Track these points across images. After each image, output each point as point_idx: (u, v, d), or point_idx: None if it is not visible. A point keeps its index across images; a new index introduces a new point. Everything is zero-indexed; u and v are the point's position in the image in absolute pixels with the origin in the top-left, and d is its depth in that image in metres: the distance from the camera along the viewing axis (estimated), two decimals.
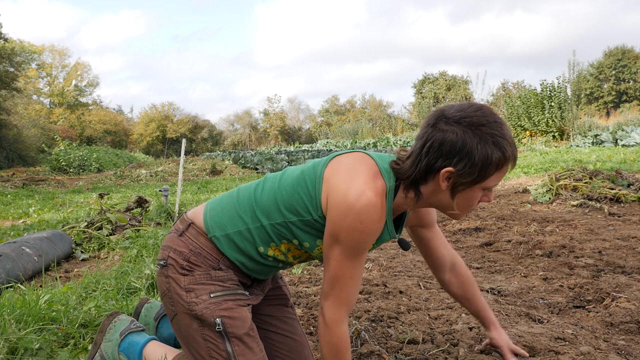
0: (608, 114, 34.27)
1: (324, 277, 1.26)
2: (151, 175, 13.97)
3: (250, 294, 1.40)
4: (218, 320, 1.27)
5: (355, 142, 29.14)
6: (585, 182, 5.29)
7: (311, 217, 1.26)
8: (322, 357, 1.29)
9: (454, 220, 4.34)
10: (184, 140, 5.55)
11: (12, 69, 20.77)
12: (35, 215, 6.19)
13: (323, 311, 1.26)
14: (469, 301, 1.64)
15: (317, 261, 1.41)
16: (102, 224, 4.18)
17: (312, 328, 1.99)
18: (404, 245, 1.41)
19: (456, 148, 1.15)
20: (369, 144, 25.94)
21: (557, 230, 3.78)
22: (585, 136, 16.48)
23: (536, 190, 5.50)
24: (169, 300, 1.33)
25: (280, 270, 1.49)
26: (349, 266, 1.23)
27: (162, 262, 1.34)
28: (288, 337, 1.50)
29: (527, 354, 1.64)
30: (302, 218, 1.27)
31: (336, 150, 1.35)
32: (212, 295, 1.29)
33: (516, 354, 1.63)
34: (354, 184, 1.20)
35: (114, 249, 3.81)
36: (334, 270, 1.23)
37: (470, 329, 1.91)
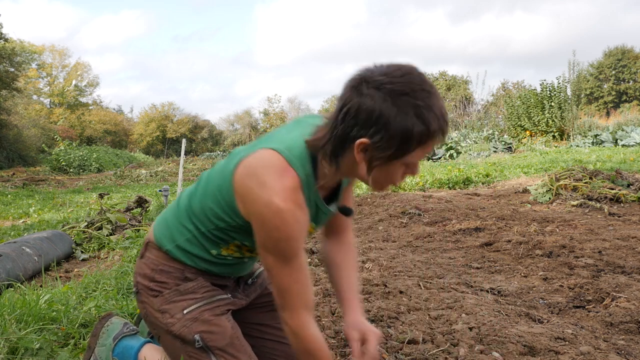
0: (608, 114, 34.26)
1: (275, 294, 1.21)
2: (151, 175, 13.98)
3: (232, 297, 1.36)
4: (197, 337, 1.24)
5: None
6: (585, 182, 5.29)
7: (237, 223, 1.20)
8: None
9: (453, 221, 4.35)
10: (184, 140, 5.56)
11: (12, 69, 20.78)
12: (36, 215, 6.19)
13: (285, 322, 1.21)
14: (336, 277, 1.46)
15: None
16: (102, 224, 4.19)
17: None
18: (346, 212, 1.32)
19: (372, 117, 1.01)
20: None
21: (557, 230, 3.78)
22: (585, 136, 16.48)
23: (536, 190, 5.50)
24: (150, 323, 1.32)
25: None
26: (289, 273, 1.16)
27: (134, 290, 1.34)
28: (284, 344, 1.44)
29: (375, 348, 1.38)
30: (229, 224, 1.21)
31: (238, 150, 1.25)
32: (185, 312, 1.26)
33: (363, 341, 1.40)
34: (262, 194, 1.09)
35: (114, 249, 3.81)
36: (277, 281, 1.18)
37: (470, 329, 1.91)
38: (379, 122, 1.02)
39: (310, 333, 1.20)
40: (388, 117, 1.01)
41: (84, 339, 1.84)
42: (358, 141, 1.04)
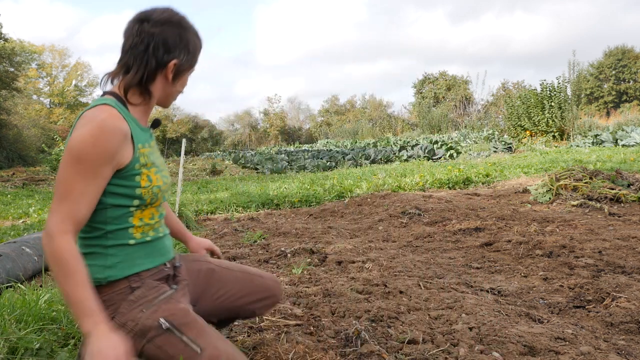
0: (608, 114, 34.27)
1: (53, 198, 1.26)
2: None
3: (176, 285, 1.43)
4: (162, 320, 1.28)
5: (356, 142, 29.14)
6: (585, 182, 5.29)
7: (105, 184, 1.28)
8: (51, 271, 1.24)
9: (453, 221, 4.35)
10: (184, 140, 5.55)
11: (12, 69, 20.78)
12: (35, 215, 6.19)
13: (48, 225, 1.23)
14: (173, 225, 1.71)
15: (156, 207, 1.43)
16: None
17: (312, 328, 1.99)
18: (154, 124, 1.49)
19: (176, 43, 1.35)
20: (369, 143, 25.93)
21: (557, 230, 3.78)
22: (586, 136, 16.48)
23: (536, 190, 5.50)
24: (127, 334, 1.30)
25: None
26: (80, 182, 1.23)
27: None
28: (234, 283, 1.58)
29: (221, 253, 1.82)
30: (106, 192, 1.30)
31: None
32: (144, 311, 1.30)
33: (212, 253, 1.81)
34: (86, 126, 1.25)
35: None
36: (63, 187, 1.23)
37: (470, 329, 1.91)
38: (181, 44, 1.37)
39: (66, 240, 1.22)
40: (187, 39, 1.38)
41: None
42: (171, 62, 1.35)
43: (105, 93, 1.38)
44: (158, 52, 1.33)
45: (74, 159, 1.23)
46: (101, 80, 1.39)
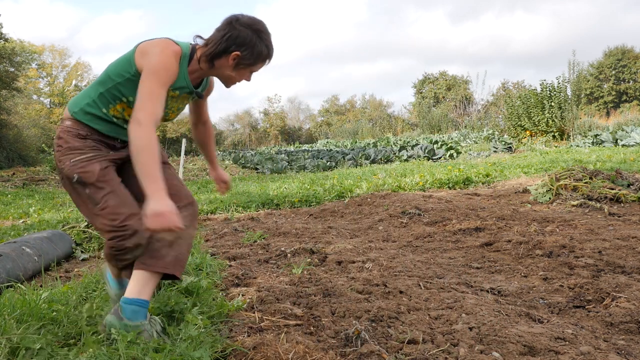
0: (608, 114, 34.27)
1: (137, 102, 1.76)
2: None
3: (115, 151, 1.98)
4: (75, 175, 1.86)
5: (356, 142, 29.13)
6: (585, 182, 5.29)
7: (130, 75, 1.85)
8: (134, 150, 1.70)
9: (454, 221, 4.35)
10: (184, 140, 5.56)
11: (12, 69, 20.76)
12: (36, 215, 6.19)
13: (138, 117, 1.72)
14: (204, 147, 2.38)
15: None
16: None
17: (312, 328, 1.99)
18: (199, 95, 2.06)
19: (245, 42, 1.85)
20: (369, 143, 25.94)
21: (557, 230, 3.78)
22: (586, 136, 16.48)
23: (536, 190, 5.50)
24: (59, 171, 1.94)
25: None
26: (156, 89, 1.77)
27: (52, 150, 2.07)
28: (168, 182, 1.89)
29: (229, 183, 2.44)
30: (124, 77, 1.86)
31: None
32: (72, 161, 1.87)
33: (224, 182, 2.40)
34: (155, 48, 1.82)
35: None
36: (147, 92, 1.76)
37: (470, 329, 1.91)
38: (249, 44, 1.86)
39: (152, 130, 1.73)
40: (253, 42, 1.86)
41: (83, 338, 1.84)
42: (234, 53, 1.86)
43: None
44: (229, 41, 1.85)
45: (154, 70, 1.78)
46: (193, 37, 1.97)
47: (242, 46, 1.85)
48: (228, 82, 2.01)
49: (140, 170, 1.67)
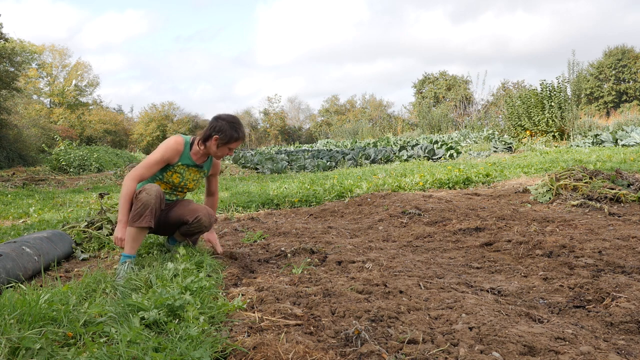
0: (608, 114, 34.26)
1: (139, 165, 3.00)
2: None
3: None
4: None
5: (356, 142, 29.12)
6: (585, 182, 5.29)
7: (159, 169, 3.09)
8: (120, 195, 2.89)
9: (454, 221, 4.35)
10: None
11: (12, 69, 20.73)
12: (36, 215, 6.19)
13: (130, 173, 2.92)
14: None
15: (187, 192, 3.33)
16: (102, 224, 4.18)
17: (312, 328, 1.99)
18: (199, 167, 3.23)
19: (222, 130, 2.98)
20: (369, 143, 25.92)
21: (557, 230, 3.78)
22: (586, 136, 16.47)
23: (536, 190, 5.50)
24: None
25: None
26: (150, 159, 2.98)
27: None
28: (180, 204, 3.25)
29: (215, 244, 3.33)
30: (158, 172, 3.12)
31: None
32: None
33: (210, 242, 3.35)
34: (169, 138, 3.11)
35: (114, 249, 3.81)
36: (144, 162, 2.97)
37: (470, 329, 1.91)
38: (222, 131, 3.00)
39: (130, 183, 2.88)
40: (225, 129, 3.00)
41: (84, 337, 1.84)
42: (215, 136, 3.00)
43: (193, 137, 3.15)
44: (213, 130, 3.00)
45: (156, 151, 3.00)
46: (194, 138, 3.17)
47: (220, 132, 2.97)
48: (216, 156, 3.10)
49: (119, 208, 2.90)
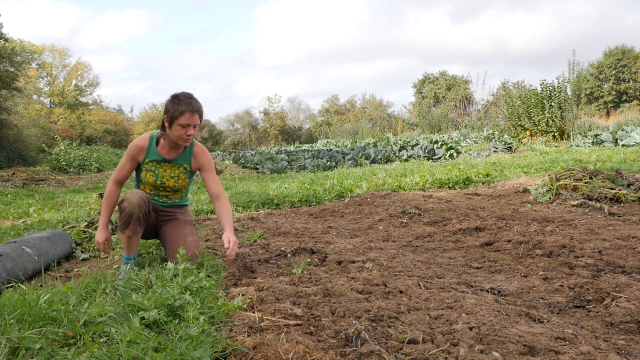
0: (608, 113, 34.27)
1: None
2: None
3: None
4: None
5: (356, 142, 29.12)
6: (585, 182, 5.29)
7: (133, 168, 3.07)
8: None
9: (454, 221, 4.35)
10: None
11: (12, 69, 20.73)
12: (36, 215, 6.19)
13: (111, 178, 2.99)
14: (219, 219, 2.96)
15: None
16: None
17: (312, 328, 1.99)
18: (169, 161, 3.04)
19: (167, 108, 2.81)
20: (369, 143, 25.92)
21: (557, 230, 3.78)
22: (586, 136, 16.47)
23: (536, 190, 5.50)
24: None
25: (181, 210, 3.23)
26: (121, 160, 2.98)
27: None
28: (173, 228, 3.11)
29: (232, 244, 2.80)
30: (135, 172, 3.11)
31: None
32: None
33: (229, 241, 2.79)
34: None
35: (114, 249, 3.81)
36: (119, 164, 3.00)
37: (470, 328, 1.91)
38: (167, 110, 2.81)
39: (111, 187, 2.99)
40: (169, 106, 2.78)
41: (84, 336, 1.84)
42: (164, 117, 2.82)
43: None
44: (163, 113, 2.84)
45: (126, 152, 2.99)
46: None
47: (165, 112, 2.81)
48: (178, 140, 2.85)
49: (101, 211, 3.04)
